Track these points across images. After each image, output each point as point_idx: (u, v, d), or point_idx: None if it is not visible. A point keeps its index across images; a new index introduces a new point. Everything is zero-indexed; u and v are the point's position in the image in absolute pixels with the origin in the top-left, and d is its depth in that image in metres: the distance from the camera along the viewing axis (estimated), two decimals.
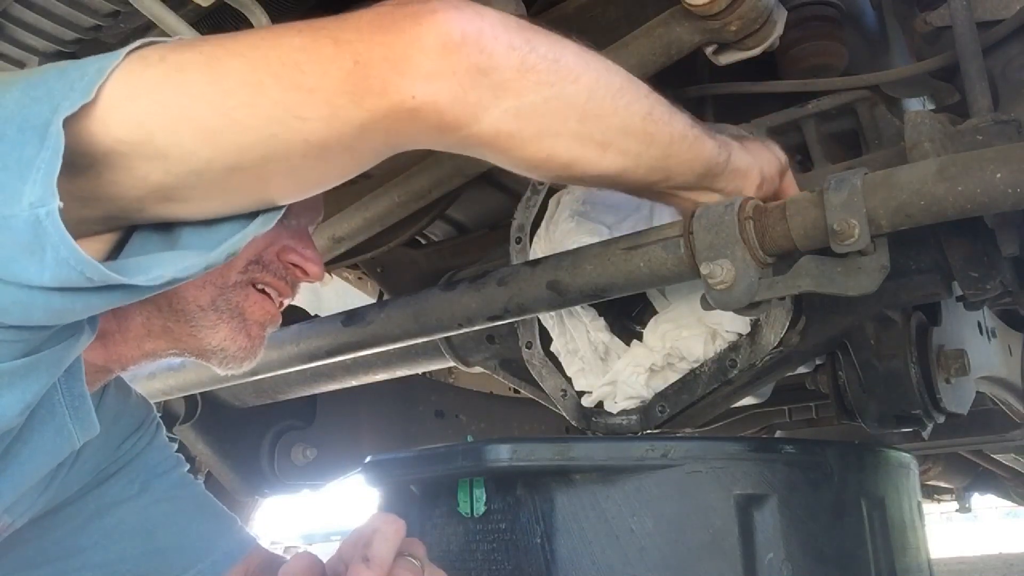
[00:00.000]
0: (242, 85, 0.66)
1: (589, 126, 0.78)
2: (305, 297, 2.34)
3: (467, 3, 0.70)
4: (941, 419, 1.24)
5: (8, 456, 0.83)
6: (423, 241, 2.08)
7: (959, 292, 1.11)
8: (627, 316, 1.33)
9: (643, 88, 0.84)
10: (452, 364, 1.65)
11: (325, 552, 0.94)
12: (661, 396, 1.25)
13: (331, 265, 1.89)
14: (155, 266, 0.70)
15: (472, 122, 0.71)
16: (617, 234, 1.14)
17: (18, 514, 0.94)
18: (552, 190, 1.37)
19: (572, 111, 0.76)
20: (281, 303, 1.01)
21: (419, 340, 1.35)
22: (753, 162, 0.96)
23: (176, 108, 0.65)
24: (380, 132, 0.69)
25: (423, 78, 0.67)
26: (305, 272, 1.01)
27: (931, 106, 1.27)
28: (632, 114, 0.81)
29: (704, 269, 0.93)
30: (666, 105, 0.85)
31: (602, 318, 1.31)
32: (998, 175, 0.81)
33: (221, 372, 0.99)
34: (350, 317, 1.38)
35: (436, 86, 0.67)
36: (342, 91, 0.66)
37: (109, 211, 0.71)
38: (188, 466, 1.21)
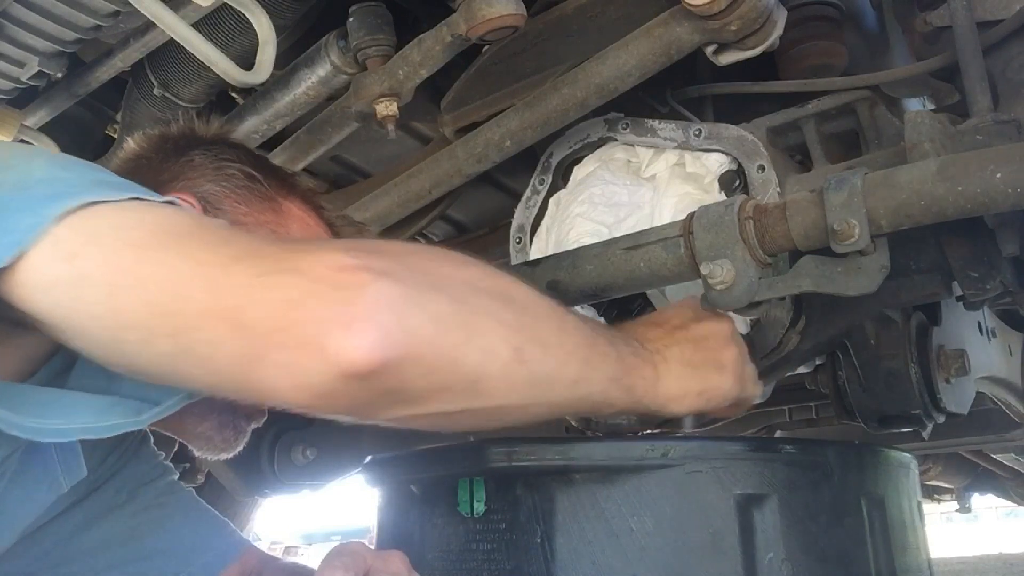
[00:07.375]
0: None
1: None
2: None
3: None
4: (941, 419, 1.24)
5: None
6: (423, 241, 2.07)
7: (959, 292, 1.11)
8: (627, 316, 1.33)
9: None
10: None
11: (324, 552, 0.94)
12: None
13: None
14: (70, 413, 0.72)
15: None
16: (617, 234, 1.14)
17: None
18: (552, 190, 1.37)
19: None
20: None
21: None
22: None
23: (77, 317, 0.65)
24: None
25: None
26: None
27: (931, 106, 1.27)
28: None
29: (704, 269, 0.93)
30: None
31: (602, 318, 1.30)
32: (998, 175, 0.81)
33: (197, 454, 0.99)
34: None
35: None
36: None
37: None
38: (177, 474, 1.21)
